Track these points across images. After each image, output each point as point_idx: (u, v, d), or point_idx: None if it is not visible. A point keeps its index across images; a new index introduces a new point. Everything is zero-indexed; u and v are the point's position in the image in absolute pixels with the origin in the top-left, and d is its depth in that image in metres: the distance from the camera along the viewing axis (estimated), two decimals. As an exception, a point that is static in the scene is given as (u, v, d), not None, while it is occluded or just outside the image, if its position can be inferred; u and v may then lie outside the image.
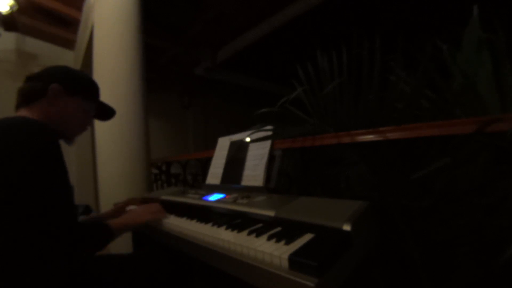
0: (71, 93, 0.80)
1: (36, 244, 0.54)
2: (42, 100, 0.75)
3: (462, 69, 0.85)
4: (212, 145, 1.33)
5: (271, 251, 0.51)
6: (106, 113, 1.00)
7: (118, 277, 0.77)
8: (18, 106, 0.76)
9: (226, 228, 0.69)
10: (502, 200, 0.65)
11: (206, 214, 0.86)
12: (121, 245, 1.87)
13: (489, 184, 0.67)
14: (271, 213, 0.70)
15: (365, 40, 0.95)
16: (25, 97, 0.76)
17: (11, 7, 2.54)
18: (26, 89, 0.76)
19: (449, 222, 0.73)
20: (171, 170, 2.29)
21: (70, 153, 3.57)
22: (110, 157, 1.90)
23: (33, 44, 3.30)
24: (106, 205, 1.88)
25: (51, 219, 0.56)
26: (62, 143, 0.83)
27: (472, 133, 0.64)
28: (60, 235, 0.56)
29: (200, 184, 1.76)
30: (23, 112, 0.74)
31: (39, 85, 0.76)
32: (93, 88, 0.90)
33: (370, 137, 0.84)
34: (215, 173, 1.21)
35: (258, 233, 0.61)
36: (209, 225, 0.74)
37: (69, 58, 3.57)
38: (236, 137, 1.23)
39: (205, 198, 1.00)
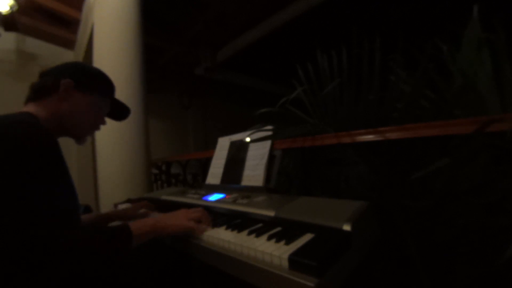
0: (84, 90, 0.77)
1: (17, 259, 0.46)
2: (53, 96, 0.72)
3: (462, 69, 0.85)
4: (212, 145, 1.34)
5: (271, 251, 0.51)
6: (121, 112, 0.96)
7: (117, 276, 0.77)
8: (27, 101, 0.73)
9: (226, 228, 0.69)
10: (502, 200, 0.65)
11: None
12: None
13: (489, 184, 0.67)
14: (271, 213, 0.70)
15: (365, 40, 0.95)
16: (35, 92, 0.73)
17: (11, 7, 2.54)
18: (37, 84, 0.73)
19: (449, 222, 0.73)
20: (171, 170, 2.30)
21: (70, 153, 3.57)
22: (110, 157, 1.91)
23: (33, 44, 3.30)
24: (106, 205, 1.89)
25: (29, 225, 0.48)
26: (67, 142, 0.82)
27: (472, 133, 0.64)
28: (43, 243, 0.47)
29: (200, 184, 1.76)
30: (30, 107, 0.71)
31: (50, 80, 0.73)
32: (108, 85, 0.86)
33: (370, 137, 0.84)
34: (215, 173, 1.21)
35: (258, 233, 0.61)
36: (209, 228, 0.74)
37: (69, 58, 3.57)
38: (236, 137, 1.23)
39: (205, 198, 1.00)
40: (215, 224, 0.73)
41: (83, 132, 0.82)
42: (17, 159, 0.52)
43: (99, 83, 0.83)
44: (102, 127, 0.90)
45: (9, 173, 0.51)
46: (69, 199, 0.64)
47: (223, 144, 1.27)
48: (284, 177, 1.15)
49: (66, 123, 0.76)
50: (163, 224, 0.65)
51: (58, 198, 0.58)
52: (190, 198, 1.07)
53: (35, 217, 0.51)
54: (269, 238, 0.57)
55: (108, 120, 0.96)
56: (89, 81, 0.79)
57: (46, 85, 0.72)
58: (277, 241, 0.55)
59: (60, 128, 0.76)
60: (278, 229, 0.63)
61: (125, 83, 1.94)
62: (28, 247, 0.47)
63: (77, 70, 0.78)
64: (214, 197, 0.99)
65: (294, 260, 0.47)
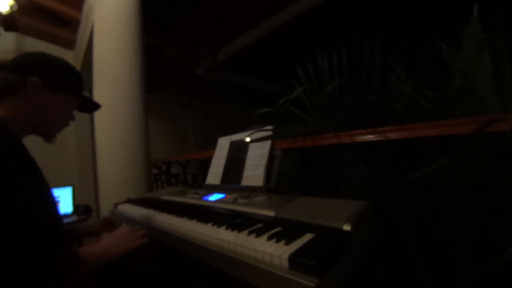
0: (53, 89, 0.72)
1: None
2: (18, 94, 0.67)
3: (462, 69, 0.85)
4: (212, 145, 1.34)
5: (271, 251, 0.51)
6: (90, 106, 0.91)
7: (117, 276, 0.77)
8: None
9: (226, 228, 0.69)
10: (502, 200, 0.65)
11: (206, 214, 0.86)
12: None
13: (489, 184, 0.67)
14: (271, 213, 0.70)
15: (365, 40, 0.95)
16: None
17: (11, 7, 2.54)
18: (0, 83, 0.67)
19: (449, 222, 0.73)
20: (171, 170, 2.29)
21: (70, 153, 3.57)
22: (110, 157, 1.90)
23: (33, 44, 3.30)
24: (106, 205, 1.88)
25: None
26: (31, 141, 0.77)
27: (472, 133, 0.64)
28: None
29: (200, 184, 1.76)
30: None
31: (15, 77, 0.67)
32: (76, 81, 0.80)
33: (370, 137, 0.84)
34: (215, 173, 1.21)
35: (258, 233, 0.61)
36: (209, 225, 0.74)
37: (69, 58, 3.57)
38: (236, 137, 1.23)
39: (205, 198, 1.00)
40: (215, 224, 0.73)
41: (53, 130, 0.78)
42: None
43: (69, 81, 0.77)
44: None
45: None
46: (45, 202, 0.62)
47: (223, 144, 1.27)
48: (284, 177, 1.15)
49: (34, 123, 0.72)
50: (113, 252, 0.68)
51: (32, 203, 0.56)
52: (190, 198, 1.07)
53: (10, 224, 0.50)
54: (269, 238, 0.57)
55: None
56: (58, 79, 0.74)
57: (10, 83, 0.67)
58: (277, 241, 0.55)
59: (28, 127, 0.72)
60: (278, 229, 0.63)
61: (125, 83, 1.93)
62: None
63: (44, 67, 0.72)
64: (214, 197, 0.99)
65: (294, 260, 0.47)
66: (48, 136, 0.78)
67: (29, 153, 0.61)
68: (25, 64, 0.70)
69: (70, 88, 0.78)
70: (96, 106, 0.92)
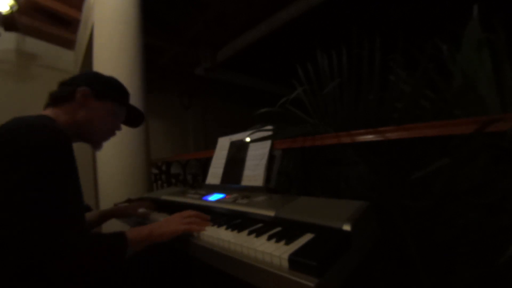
0: (101, 97, 0.81)
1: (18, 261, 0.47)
2: (71, 103, 0.76)
3: (462, 69, 0.85)
4: (212, 145, 1.34)
5: (271, 251, 0.51)
6: (136, 118, 0.99)
7: (116, 276, 0.77)
8: (45, 107, 0.77)
9: (226, 228, 0.69)
10: (502, 200, 0.65)
11: (206, 214, 0.86)
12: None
13: (489, 184, 0.67)
14: (271, 213, 0.70)
15: (365, 40, 0.95)
16: (54, 99, 0.77)
17: (11, 7, 2.54)
18: (56, 93, 0.78)
19: (449, 222, 0.73)
20: (171, 170, 2.30)
21: (70, 153, 3.57)
22: (110, 157, 1.90)
23: (33, 44, 3.30)
24: (106, 205, 1.88)
25: (34, 227, 0.48)
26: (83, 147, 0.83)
27: (472, 133, 0.64)
28: (46, 247, 0.48)
29: (200, 184, 1.76)
30: (48, 112, 0.75)
31: (68, 89, 0.77)
32: (123, 92, 0.89)
33: (370, 137, 0.84)
34: (215, 173, 1.21)
35: (258, 233, 0.61)
36: (209, 225, 0.74)
37: (69, 58, 3.57)
38: (236, 137, 1.23)
39: (205, 198, 1.00)
40: (215, 224, 0.73)
41: (99, 138, 0.85)
42: (38, 163, 0.53)
43: (115, 91, 0.86)
44: None
45: (30, 176, 0.52)
46: (78, 201, 0.65)
47: (223, 144, 1.27)
48: (284, 177, 1.15)
49: (83, 129, 0.79)
50: (158, 232, 0.66)
51: (70, 200, 0.59)
52: (190, 198, 1.07)
53: (47, 220, 0.51)
54: (269, 238, 0.57)
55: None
56: (105, 88, 0.83)
57: (64, 93, 0.77)
58: (277, 241, 0.55)
59: (77, 134, 0.78)
60: (278, 229, 0.63)
61: (125, 83, 1.92)
62: (33, 248, 0.47)
63: (93, 79, 0.82)
64: (214, 197, 0.99)
65: (294, 260, 0.47)
66: (94, 143, 0.85)
67: (72, 151, 0.62)
68: (77, 77, 0.81)
69: (115, 97, 0.86)
70: (141, 118, 1.00)
